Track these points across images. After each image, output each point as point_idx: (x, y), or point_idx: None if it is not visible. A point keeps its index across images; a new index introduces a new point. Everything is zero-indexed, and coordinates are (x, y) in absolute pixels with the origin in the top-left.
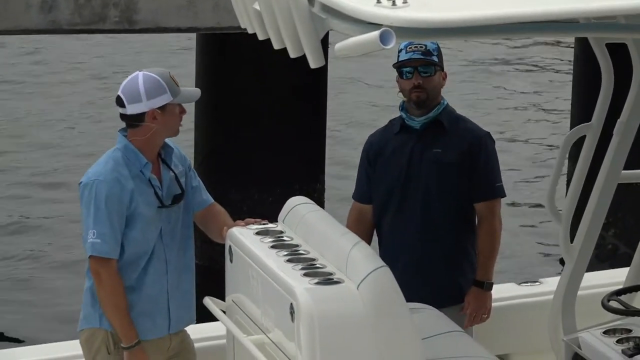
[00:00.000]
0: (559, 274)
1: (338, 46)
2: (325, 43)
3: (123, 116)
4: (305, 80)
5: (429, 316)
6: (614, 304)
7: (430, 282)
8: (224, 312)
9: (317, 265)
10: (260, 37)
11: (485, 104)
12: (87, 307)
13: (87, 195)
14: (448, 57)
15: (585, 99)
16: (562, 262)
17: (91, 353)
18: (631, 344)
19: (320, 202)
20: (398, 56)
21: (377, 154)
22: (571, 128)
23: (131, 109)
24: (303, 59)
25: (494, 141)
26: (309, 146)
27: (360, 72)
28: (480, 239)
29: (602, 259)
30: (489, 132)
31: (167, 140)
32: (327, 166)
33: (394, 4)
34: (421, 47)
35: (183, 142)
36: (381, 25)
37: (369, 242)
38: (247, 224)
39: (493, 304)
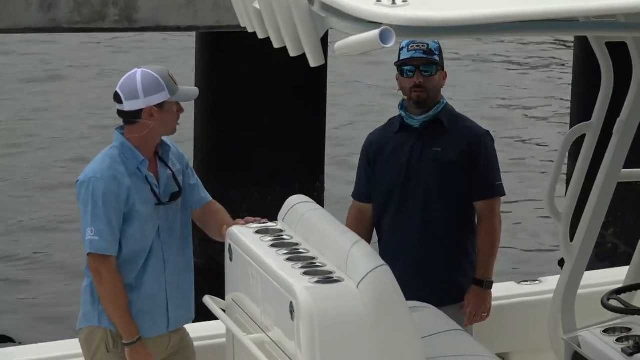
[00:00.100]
0: (559, 272)
1: (338, 45)
2: (325, 42)
3: (120, 112)
4: (304, 79)
5: (428, 315)
6: (613, 302)
7: (431, 281)
8: (224, 311)
9: (317, 264)
10: (260, 36)
11: (484, 101)
12: (86, 305)
13: (84, 193)
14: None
15: (585, 98)
16: (561, 261)
17: (90, 351)
18: (631, 342)
19: (319, 201)
20: (399, 54)
21: (376, 153)
22: (571, 127)
23: (128, 106)
24: (303, 57)
25: (493, 140)
26: (308, 145)
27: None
28: (480, 237)
29: (602, 257)
30: (488, 131)
31: (164, 138)
32: (327, 166)
33: (393, 2)
34: (423, 46)
35: (183, 142)
36: (381, 24)
37: (368, 241)
38: (247, 222)
39: (493, 303)
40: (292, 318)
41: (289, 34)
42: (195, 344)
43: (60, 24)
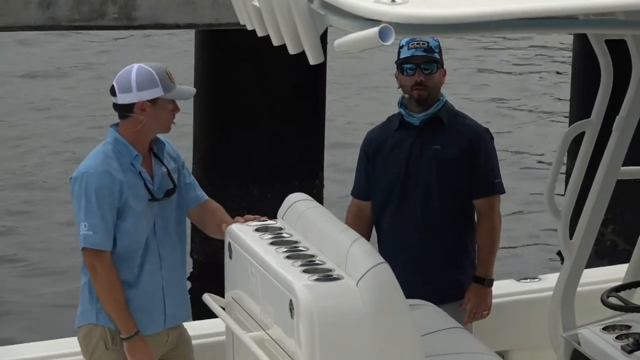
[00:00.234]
0: (558, 270)
1: (337, 42)
2: (324, 40)
3: (115, 106)
4: (304, 77)
5: (428, 313)
6: (613, 300)
7: (430, 280)
8: (223, 308)
9: (317, 262)
10: (260, 34)
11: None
12: (84, 303)
13: (77, 189)
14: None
15: (584, 95)
16: (561, 258)
17: (89, 349)
18: (630, 340)
19: (319, 199)
20: (399, 52)
21: (375, 150)
22: (570, 124)
23: (121, 99)
24: (302, 55)
25: (492, 137)
26: (308, 143)
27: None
28: (480, 235)
29: (602, 255)
30: (487, 129)
31: (160, 136)
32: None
33: (393, 0)
34: (423, 44)
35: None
36: (380, 21)
37: (367, 238)
38: (247, 220)
39: (492, 301)
40: (292, 316)
41: (289, 32)
42: (195, 341)
43: (59, 22)
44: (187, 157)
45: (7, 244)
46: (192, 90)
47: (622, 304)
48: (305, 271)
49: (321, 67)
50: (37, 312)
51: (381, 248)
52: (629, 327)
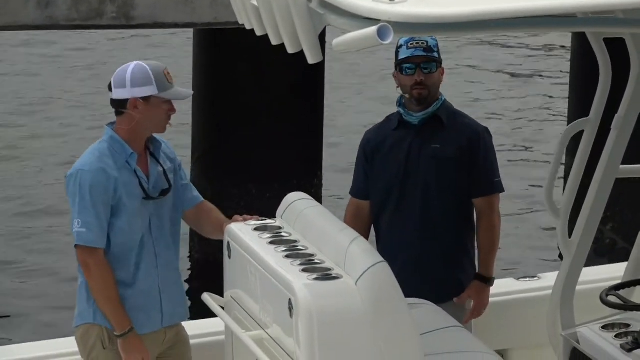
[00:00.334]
0: (558, 269)
1: (336, 42)
2: (322, 39)
3: (111, 101)
4: (302, 77)
5: (427, 312)
6: (612, 298)
7: (430, 279)
8: (223, 308)
9: (316, 261)
10: (258, 33)
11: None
12: (81, 303)
13: (72, 186)
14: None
15: (583, 94)
16: (560, 257)
17: (87, 349)
18: (629, 338)
19: (317, 198)
20: (398, 52)
21: (374, 150)
22: (569, 123)
23: (116, 94)
24: (301, 55)
25: (491, 136)
26: (306, 142)
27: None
28: (480, 234)
29: (601, 253)
30: (487, 128)
31: (157, 136)
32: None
33: None
34: (423, 43)
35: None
36: (379, 20)
37: (366, 238)
38: (246, 220)
39: (491, 299)
40: (291, 315)
41: (287, 31)
42: (194, 341)
43: (58, 21)
44: (185, 156)
45: (7, 244)
46: (189, 92)
47: (621, 302)
48: (304, 270)
49: (320, 66)
50: (36, 312)
51: (380, 247)
52: (628, 325)
